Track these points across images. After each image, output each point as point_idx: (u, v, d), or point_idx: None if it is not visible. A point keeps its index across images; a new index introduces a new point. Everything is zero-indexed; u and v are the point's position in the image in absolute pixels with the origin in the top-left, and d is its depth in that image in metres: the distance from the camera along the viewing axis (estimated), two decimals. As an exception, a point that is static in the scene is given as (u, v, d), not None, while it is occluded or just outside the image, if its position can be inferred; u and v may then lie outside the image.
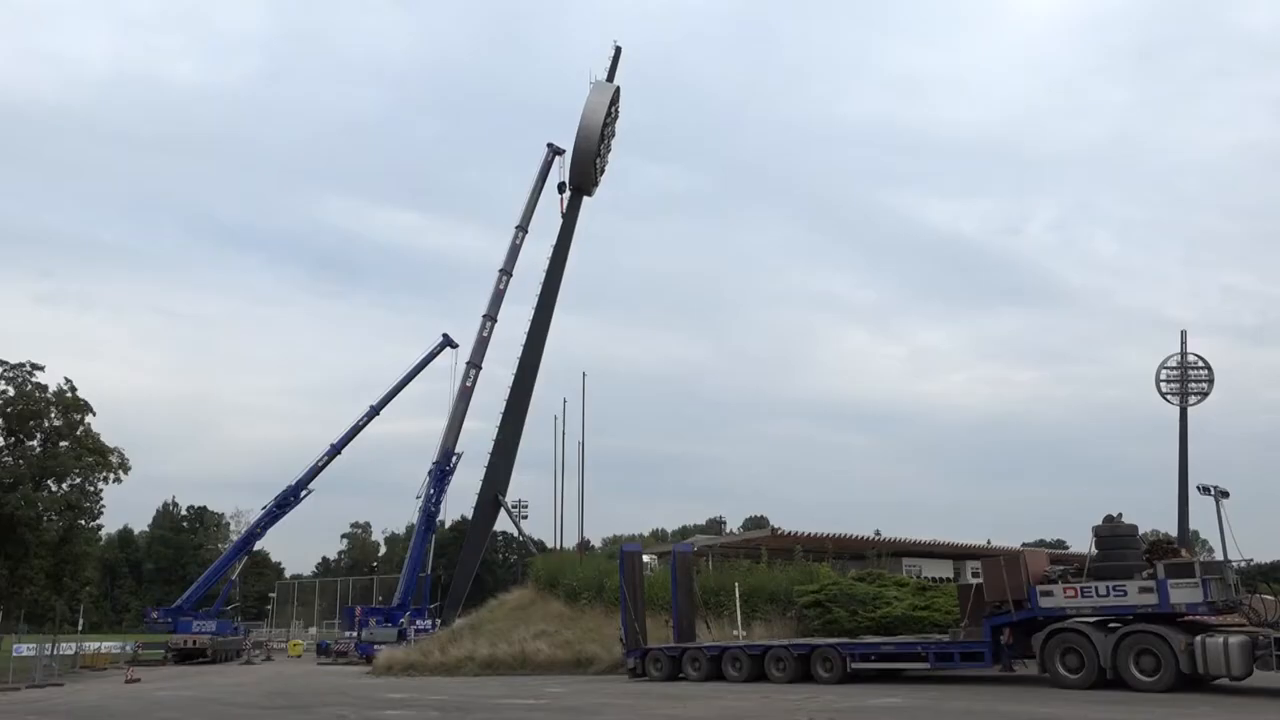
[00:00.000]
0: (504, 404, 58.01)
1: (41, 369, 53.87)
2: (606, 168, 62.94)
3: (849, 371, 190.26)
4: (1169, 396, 58.68)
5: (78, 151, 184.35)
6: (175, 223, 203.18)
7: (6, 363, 53.21)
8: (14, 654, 42.62)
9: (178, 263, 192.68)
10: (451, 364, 59.92)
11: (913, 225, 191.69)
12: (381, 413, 60.27)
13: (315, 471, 58.84)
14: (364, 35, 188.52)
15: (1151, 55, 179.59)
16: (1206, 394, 58.65)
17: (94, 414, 55.38)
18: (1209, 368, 58.74)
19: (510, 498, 61.77)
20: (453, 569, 62.96)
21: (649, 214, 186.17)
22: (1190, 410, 58.45)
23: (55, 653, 42.98)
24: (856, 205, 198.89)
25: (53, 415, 53.85)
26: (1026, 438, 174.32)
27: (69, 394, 53.97)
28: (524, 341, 58.79)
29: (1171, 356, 58.96)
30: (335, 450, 59.12)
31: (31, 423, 53.34)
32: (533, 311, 59.26)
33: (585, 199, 61.97)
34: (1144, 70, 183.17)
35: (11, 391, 52.97)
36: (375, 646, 44.38)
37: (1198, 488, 20.47)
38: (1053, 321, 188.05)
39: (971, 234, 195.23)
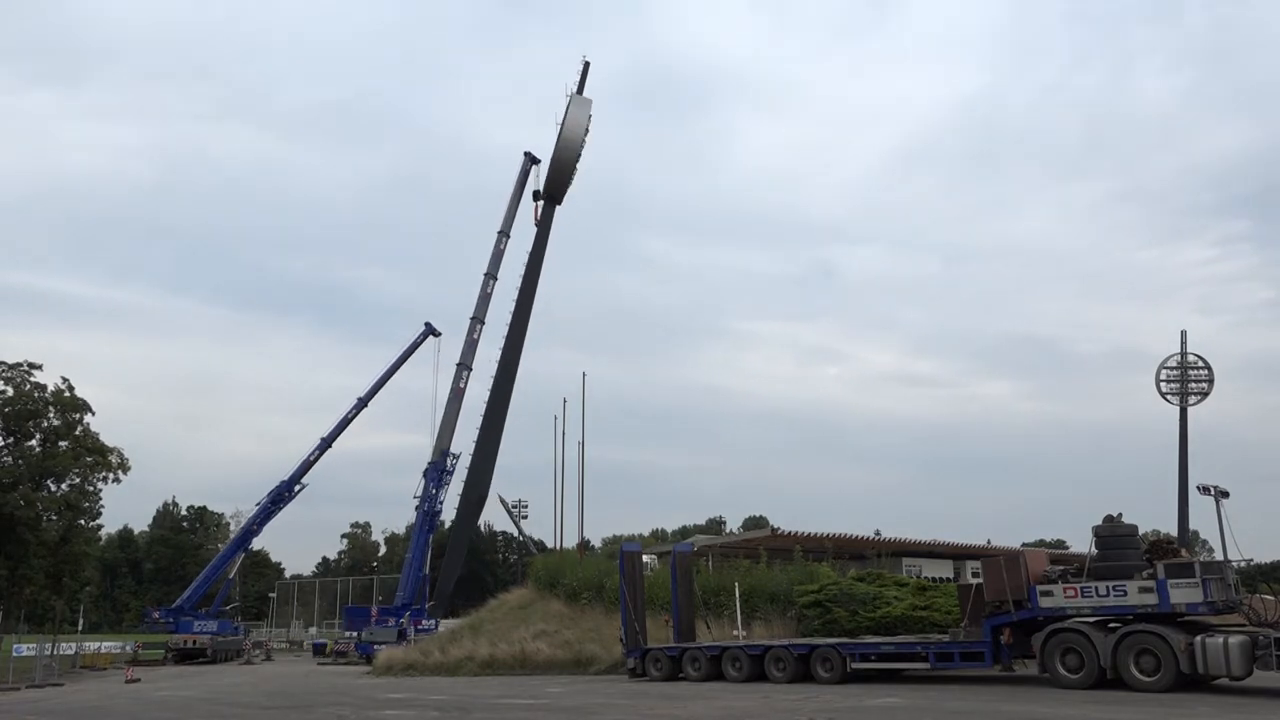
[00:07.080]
0: (484, 405, 59.07)
1: (39, 368, 53.64)
2: (575, 177, 64.46)
3: (849, 379, 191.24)
4: (1169, 396, 58.61)
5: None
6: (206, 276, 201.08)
7: (4, 363, 53.01)
8: (14, 654, 42.60)
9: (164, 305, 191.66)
10: (447, 363, 60.84)
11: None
12: (372, 406, 61.28)
13: (308, 465, 59.58)
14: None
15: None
16: (1207, 394, 58.56)
17: (93, 413, 55.19)
18: (1209, 367, 58.67)
19: (510, 498, 62.08)
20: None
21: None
22: (1190, 410, 58.45)
23: (55, 653, 43.05)
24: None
25: (51, 415, 53.64)
26: (1025, 438, 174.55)
27: (66, 394, 53.80)
28: (502, 343, 60.14)
29: (1171, 356, 58.81)
30: (326, 443, 59.88)
31: (30, 422, 53.16)
32: (510, 316, 60.66)
33: (556, 206, 63.75)
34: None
35: (10, 391, 52.80)
36: (375, 646, 44.37)
37: (1198, 488, 20.48)
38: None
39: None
